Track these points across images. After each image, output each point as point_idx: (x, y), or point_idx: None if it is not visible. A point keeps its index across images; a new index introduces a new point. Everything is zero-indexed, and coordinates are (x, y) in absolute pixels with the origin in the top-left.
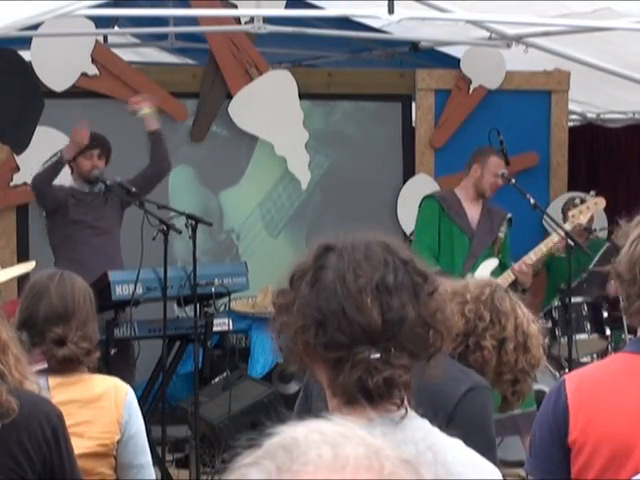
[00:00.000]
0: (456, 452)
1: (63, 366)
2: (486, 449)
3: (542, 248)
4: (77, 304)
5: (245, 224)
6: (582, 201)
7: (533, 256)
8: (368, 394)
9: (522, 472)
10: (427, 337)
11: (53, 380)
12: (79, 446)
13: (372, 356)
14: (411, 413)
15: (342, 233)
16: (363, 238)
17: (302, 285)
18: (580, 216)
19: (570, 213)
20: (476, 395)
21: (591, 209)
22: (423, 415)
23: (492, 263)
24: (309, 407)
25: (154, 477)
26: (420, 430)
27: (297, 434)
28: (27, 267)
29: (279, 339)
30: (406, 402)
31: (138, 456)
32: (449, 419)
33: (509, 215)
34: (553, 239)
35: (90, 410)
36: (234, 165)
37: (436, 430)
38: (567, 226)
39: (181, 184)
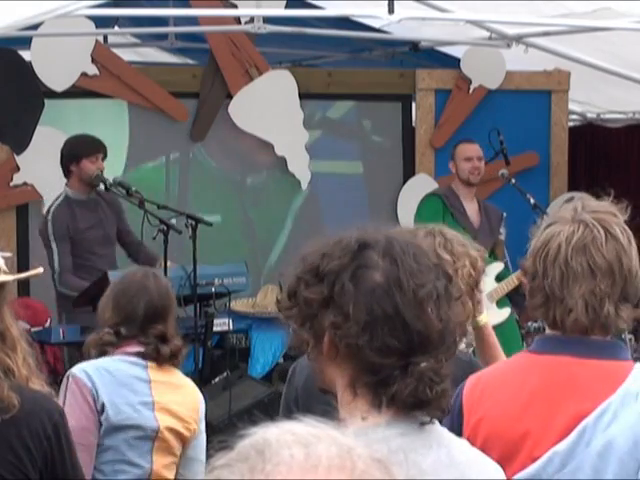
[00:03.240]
0: (468, 454)
1: (169, 361)
2: None
3: None
4: (172, 302)
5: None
6: None
7: None
8: (420, 403)
9: None
10: (453, 342)
11: (150, 362)
12: (171, 423)
13: (429, 366)
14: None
15: (368, 228)
16: (398, 238)
17: (343, 282)
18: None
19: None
20: (474, 362)
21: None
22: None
23: (497, 267)
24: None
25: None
26: (433, 432)
27: (269, 435)
28: (34, 272)
29: (297, 332)
30: None
31: (203, 452)
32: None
33: (504, 214)
34: None
35: (179, 395)
36: None
37: (445, 431)
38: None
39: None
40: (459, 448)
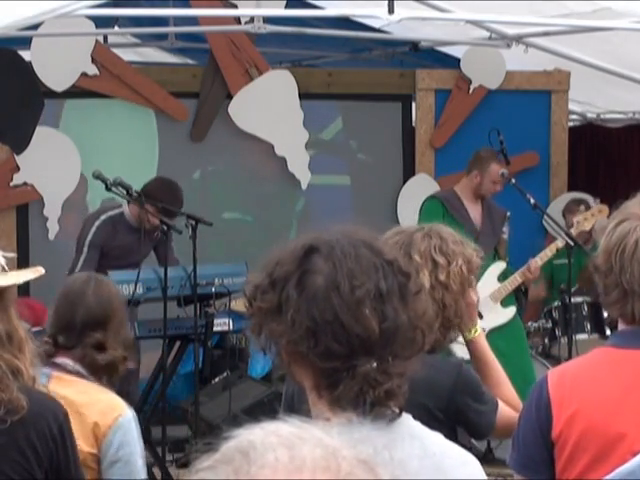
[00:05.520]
0: (442, 446)
1: (104, 371)
2: (494, 408)
3: (547, 253)
4: (114, 309)
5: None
6: (587, 207)
7: (539, 260)
8: (367, 404)
9: None
10: (415, 339)
11: (56, 373)
12: None
13: (374, 366)
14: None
15: (321, 231)
16: (347, 238)
17: (288, 289)
18: (585, 223)
19: (575, 219)
20: (463, 377)
21: (595, 216)
22: (420, 406)
23: (499, 266)
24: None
25: None
26: (404, 426)
27: (253, 437)
28: (35, 273)
29: (261, 341)
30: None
31: None
32: (453, 410)
33: (508, 213)
34: (558, 244)
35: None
36: None
37: (418, 424)
38: (572, 232)
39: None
40: (432, 440)
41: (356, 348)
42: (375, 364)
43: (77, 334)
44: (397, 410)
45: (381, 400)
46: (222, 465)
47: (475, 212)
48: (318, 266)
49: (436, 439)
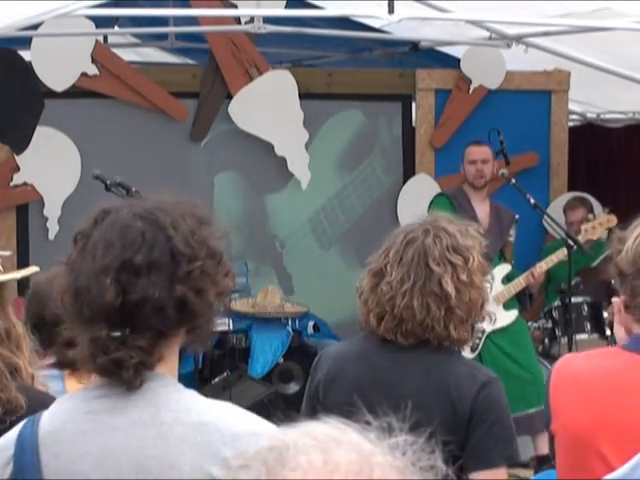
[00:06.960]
0: (180, 414)
1: (73, 368)
2: (507, 441)
3: (554, 258)
4: None
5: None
6: (589, 206)
7: (544, 265)
8: (101, 370)
9: (522, 472)
10: (184, 315)
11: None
12: None
13: (110, 334)
14: (152, 382)
15: (130, 198)
16: (134, 208)
17: (76, 248)
18: (593, 232)
19: (583, 227)
20: (489, 390)
21: (604, 225)
22: (442, 418)
23: (504, 269)
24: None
25: None
26: (146, 394)
27: (288, 438)
28: (28, 271)
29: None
30: (146, 374)
31: None
32: (469, 418)
33: (517, 216)
34: (565, 250)
35: None
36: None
37: (170, 392)
38: (579, 238)
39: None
40: (173, 409)
41: (97, 315)
42: (117, 333)
43: (48, 333)
44: (137, 382)
45: (107, 368)
46: (255, 464)
47: (482, 212)
48: (96, 231)
49: (181, 408)
